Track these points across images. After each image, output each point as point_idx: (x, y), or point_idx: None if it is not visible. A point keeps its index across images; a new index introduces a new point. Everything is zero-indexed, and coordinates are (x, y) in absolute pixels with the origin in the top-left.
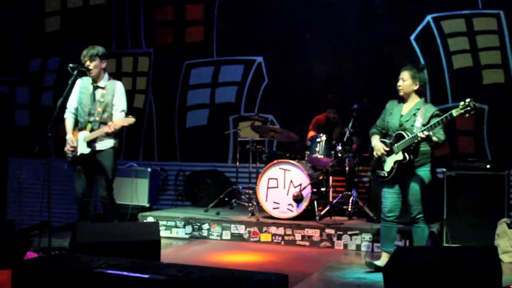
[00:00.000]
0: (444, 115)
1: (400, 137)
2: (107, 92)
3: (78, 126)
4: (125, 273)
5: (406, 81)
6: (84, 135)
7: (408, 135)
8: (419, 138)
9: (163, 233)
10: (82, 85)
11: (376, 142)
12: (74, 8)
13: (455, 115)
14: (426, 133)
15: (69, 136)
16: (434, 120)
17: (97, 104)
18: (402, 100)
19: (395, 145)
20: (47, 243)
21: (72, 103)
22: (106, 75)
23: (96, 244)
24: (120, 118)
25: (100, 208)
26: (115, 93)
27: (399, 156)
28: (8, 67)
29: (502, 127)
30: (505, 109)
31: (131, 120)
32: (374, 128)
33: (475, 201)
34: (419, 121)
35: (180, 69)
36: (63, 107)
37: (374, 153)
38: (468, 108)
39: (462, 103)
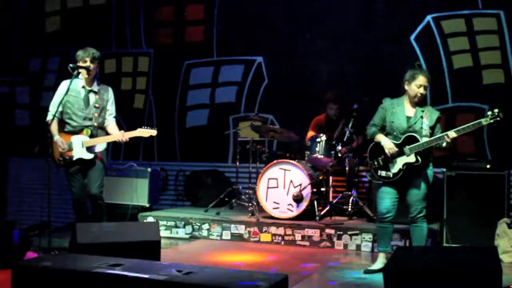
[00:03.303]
0: (472, 123)
1: (411, 139)
2: (101, 97)
3: (65, 129)
4: (125, 273)
5: (427, 88)
6: (83, 140)
7: (421, 138)
8: (449, 140)
9: (163, 233)
10: (72, 88)
11: (387, 142)
12: (74, 8)
13: (484, 124)
14: (454, 134)
15: (58, 138)
16: (438, 124)
17: (93, 109)
18: (399, 99)
19: (408, 147)
20: (47, 243)
21: (55, 105)
22: (95, 79)
23: (96, 244)
24: (139, 130)
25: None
26: (109, 98)
27: (411, 159)
28: (8, 67)
29: (502, 127)
30: (505, 109)
31: (153, 132)
32: (373, 126)
33: (475, 201)
34: (425, 123)
35: (180, 69)
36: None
37: (387, 151)
38: (498, 119)
39: (490, 112)
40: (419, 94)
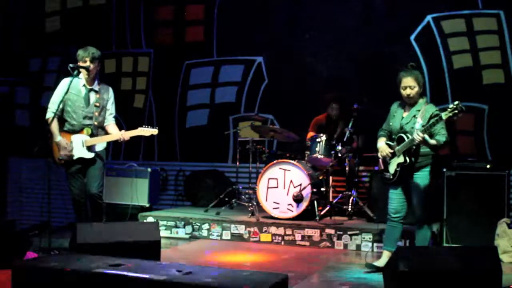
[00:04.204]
0: (434, 119)
1: (401, 140)
2: (102, 96)
3: (65, 128)
4: (125, 273)
5: (415, 88)
6: (83, 139)
7: (408, 138)
8: (416, 141)
9: (163, 233)
10: (72, 86)
11: (381, 144)
12: (74, 8)
13: (445, 119)
14: (421, 135)
15: (61, 139)
16: (431, 121)
17: (93, 108)
18: (405, 102)
19: (397, 148)
20: (47, 243)
21: (55, 103)
22: (96, 78)
23: (96, 244)
24: (140, 129)
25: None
26: (109, 97)
27: (401, 159)
28: (8, 67)
29: (502, 127)
30: (505, 109)
31: (155, 131)
32: (381, 131)
33: (475, 201)
34: (419, 123)
35: (180, 69)
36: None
37: (379, 154)
38: (456, 111)
39: (451, 105)
40: (406, 95)
